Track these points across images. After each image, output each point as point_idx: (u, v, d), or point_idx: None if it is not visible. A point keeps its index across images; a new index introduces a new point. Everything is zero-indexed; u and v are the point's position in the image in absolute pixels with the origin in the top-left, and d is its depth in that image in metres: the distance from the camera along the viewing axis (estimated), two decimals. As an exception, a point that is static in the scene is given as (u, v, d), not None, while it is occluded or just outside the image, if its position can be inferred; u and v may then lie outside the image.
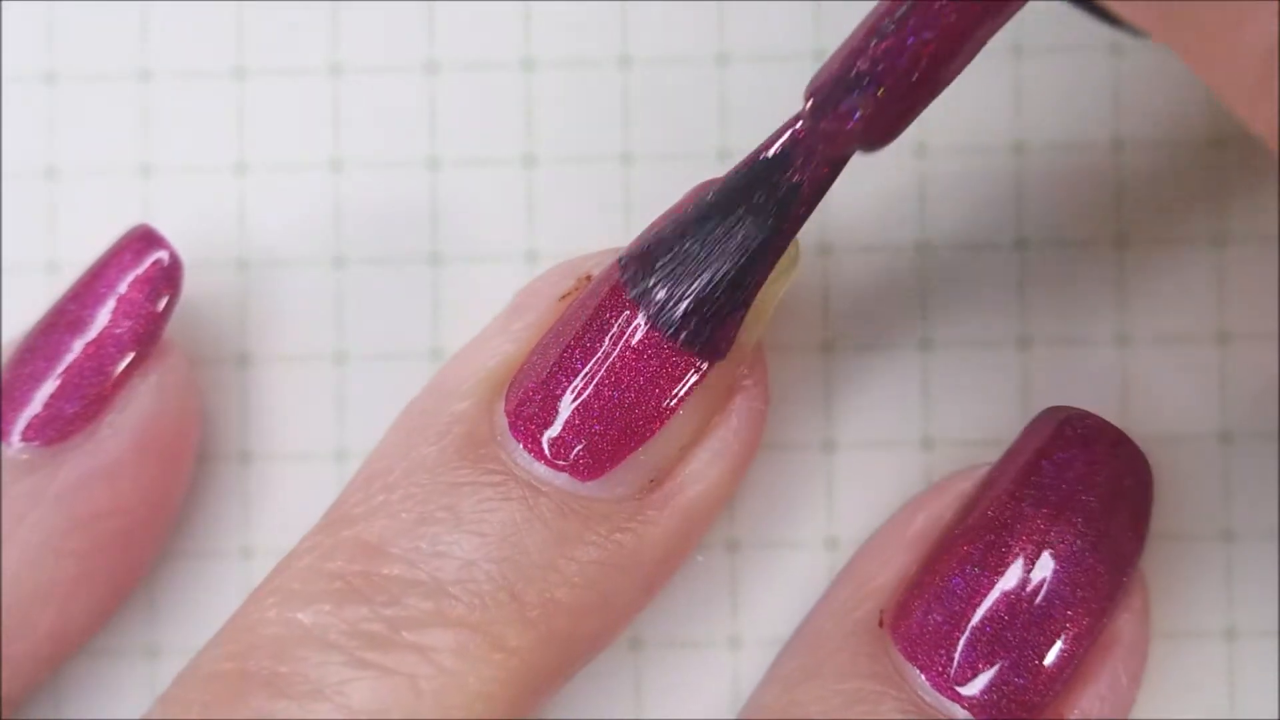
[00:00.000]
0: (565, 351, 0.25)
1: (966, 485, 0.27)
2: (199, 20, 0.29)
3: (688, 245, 0.24)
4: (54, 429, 0.26)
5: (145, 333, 0.26)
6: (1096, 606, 0.25)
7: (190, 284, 0.28)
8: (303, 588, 0.24)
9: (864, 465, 0.28)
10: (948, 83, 0.22)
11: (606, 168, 0.28)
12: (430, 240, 0.28)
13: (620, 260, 0.25)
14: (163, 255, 0.26)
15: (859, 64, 0.22)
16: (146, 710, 0.28)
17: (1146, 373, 0.28)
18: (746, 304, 0.24)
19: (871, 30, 0.22)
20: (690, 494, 0.25)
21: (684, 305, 0.24)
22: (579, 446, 0.24)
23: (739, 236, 0.24)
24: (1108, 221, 0.28)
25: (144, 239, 0.27)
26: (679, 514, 0.25)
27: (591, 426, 0.24)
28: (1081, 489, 0.25)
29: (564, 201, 0.28)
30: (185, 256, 0.27)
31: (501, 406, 0.25)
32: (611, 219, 0.28)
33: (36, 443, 0.26)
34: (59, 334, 0.26)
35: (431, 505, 0.24)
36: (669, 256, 0.24)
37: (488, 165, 0.28)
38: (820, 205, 0.28)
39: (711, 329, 0.24)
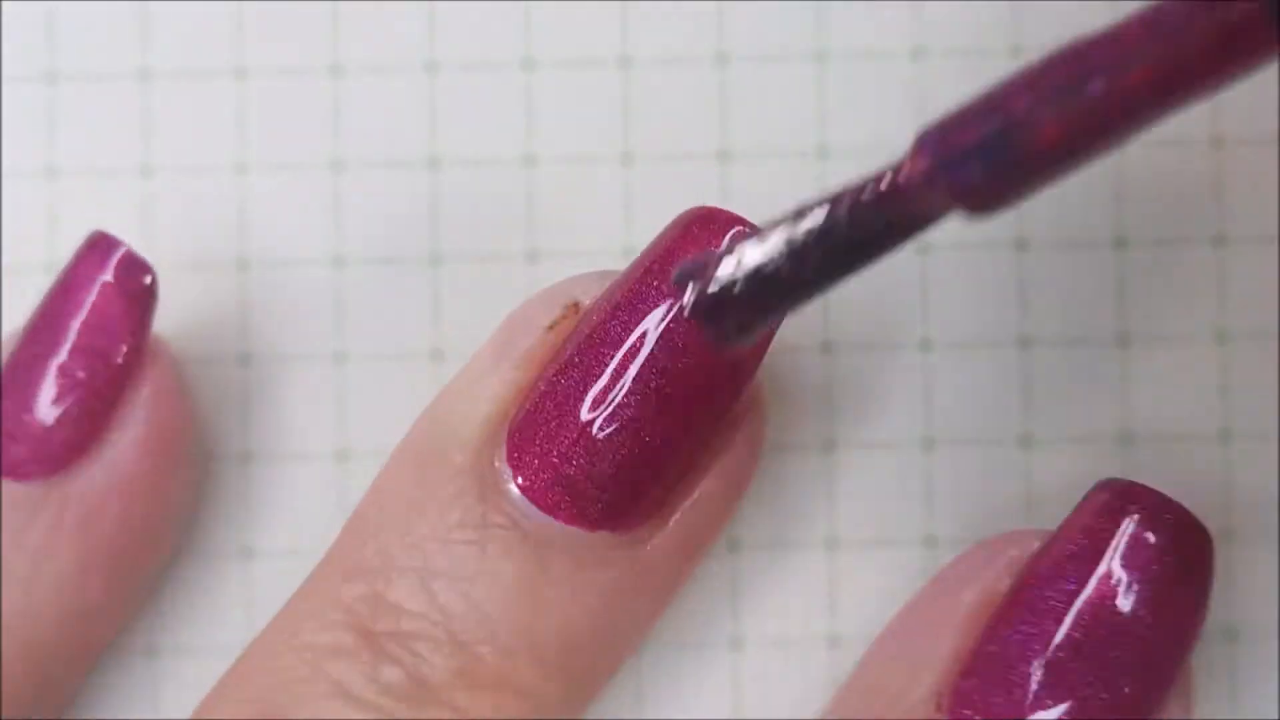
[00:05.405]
0: (566, 398, 0.24)
1: (1015, 553, 0.26)
2: (199, 20, 0.29)
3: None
4: (58, 457, 0.26)
5: (135, 350, 0.26)
6: (1159, 685, 0.24)
7: (190, 284, 0.28)
8: (331, 640, 0.24)
9: (864, 465, 0.28)
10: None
11: (606, 168, 0.28)
12: (430, 240, 0.28)
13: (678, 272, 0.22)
14: (146, 278, 0.26)
15: (1009, 118, 0.19)
16: (145, 710, 0.28)
17: (1146, 373, 0.28)
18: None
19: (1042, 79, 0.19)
20: (695, 521, 0.25)
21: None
22: (591, 499, 0.24)
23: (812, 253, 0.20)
24: (1108, 221, 0.28)
25: (120, 259, 0.26)
26: (684, 542, 0.25)
27: (605, 477, 0.24)
28: (1146, 568, 0.24)
29: (564, 201, 0.28)
30: (185, 256, 0.27)
31: (503, 454, 0.25)
32: (611, 219, 0.28)
33: (41, 475, 0.26)
34: (40, 365, 0.26)
35: (442, 560, 0.24)
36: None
37: (488, 165, 0.28)
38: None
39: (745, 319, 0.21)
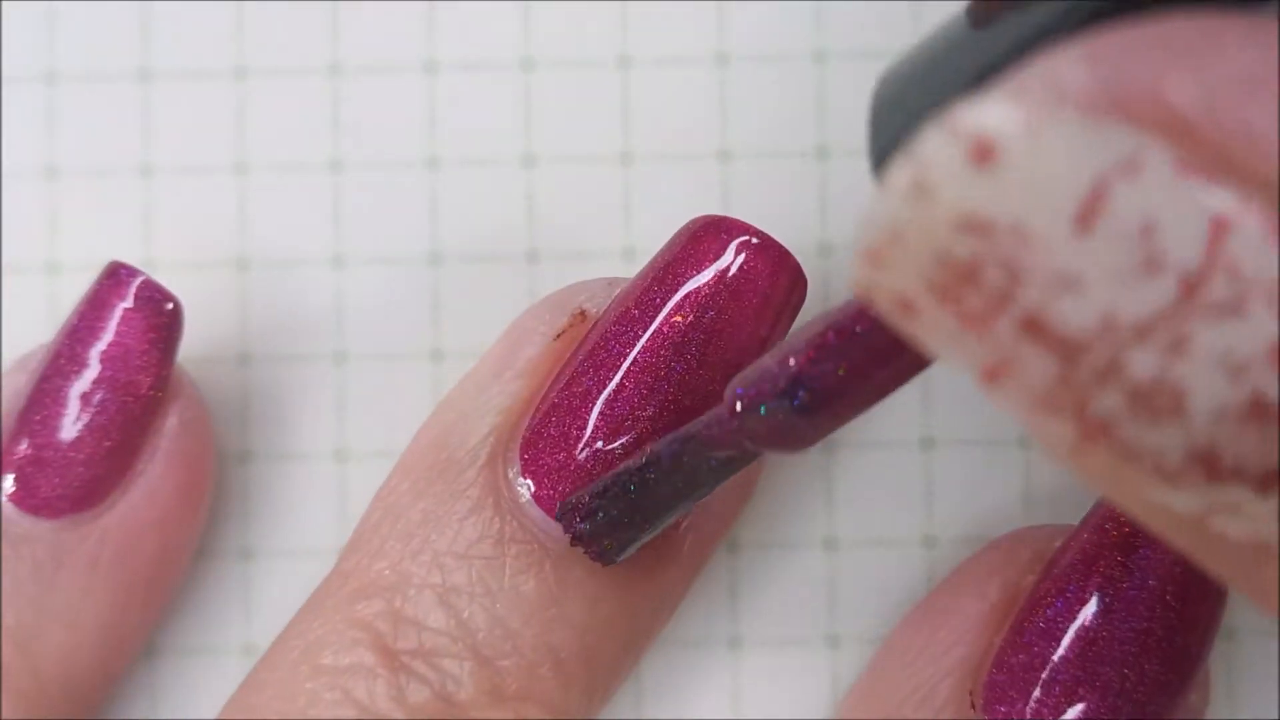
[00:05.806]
0: (579, 408, 0.24)
1: (1037, 549, 0.26)
2: (199, 20, 0.29)
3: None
4: (89, 493, 0.26)
5: (161, 381, 0.26)
6: (1186, 674, 0.24)
7: (190, 284, 0.28)
8: (352, 661, 0.24)
9: (864, 465, 0.28)
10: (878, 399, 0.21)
11: (606, 168, 0.28)
12: (430, 240, 0.28)
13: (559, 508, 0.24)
14: (168, 305, 0.26)
15: (793, 371, 0.21)
16: (144, 710, 0.28)
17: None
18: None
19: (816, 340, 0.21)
20: (705, 525, 0.26)
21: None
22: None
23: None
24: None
25: (139, 288, 0.26)
26: (694, 546, 0.26)
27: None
28: (1173, 559, 0.24)
29: (564, 201, 0.28)
30: (185, 256, 0.27)
31: (517, 467, 0.25)
32: (611, 219, 0.28)
33: (72, 512, 0.25)
34: (68, 401, 0.25)
35: (461, 576, 0.24)
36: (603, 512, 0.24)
37: (488, 165, 0.28)
38: (821, 204, 0.28)
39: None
